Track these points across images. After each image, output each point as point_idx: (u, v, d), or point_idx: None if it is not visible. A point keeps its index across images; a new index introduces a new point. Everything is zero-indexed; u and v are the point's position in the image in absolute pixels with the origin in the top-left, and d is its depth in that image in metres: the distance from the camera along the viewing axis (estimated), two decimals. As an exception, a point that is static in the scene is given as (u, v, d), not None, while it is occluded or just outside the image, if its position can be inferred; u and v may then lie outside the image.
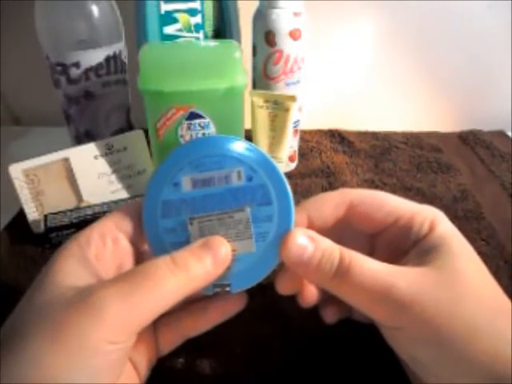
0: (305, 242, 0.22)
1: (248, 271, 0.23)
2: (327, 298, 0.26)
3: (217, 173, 0.23)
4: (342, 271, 0.21)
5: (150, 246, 0.23)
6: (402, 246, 0.24)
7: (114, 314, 0.18)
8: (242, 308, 0.26)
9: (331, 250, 0.22)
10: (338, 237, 0.24)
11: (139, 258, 0.24)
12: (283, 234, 0.23)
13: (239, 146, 0.23)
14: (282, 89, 0.44)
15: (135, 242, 0.24)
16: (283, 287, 0.26)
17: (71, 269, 0.21)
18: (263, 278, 0.23)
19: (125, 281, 0.20)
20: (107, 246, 0.22)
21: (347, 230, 0.26)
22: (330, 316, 0.26)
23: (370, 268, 0.21)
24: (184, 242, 0.23)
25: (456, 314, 0.20)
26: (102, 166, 0.42)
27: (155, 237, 0.23)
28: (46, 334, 0.18)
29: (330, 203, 0.25)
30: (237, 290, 0.24)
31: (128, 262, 0.24)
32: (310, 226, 0.25)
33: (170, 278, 0.20)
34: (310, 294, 0.26)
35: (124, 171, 0.43)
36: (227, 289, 0.23)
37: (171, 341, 0.26)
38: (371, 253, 0.25)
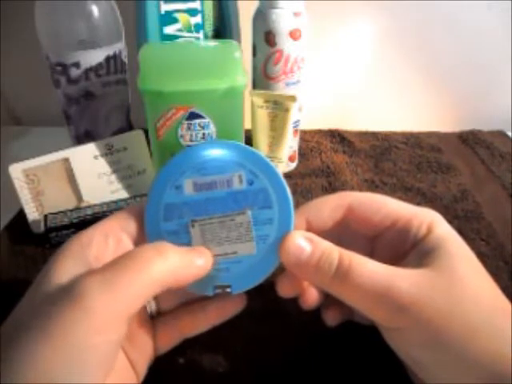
0: (303, 243, 0.22)
1: (249, 273, 0.23)
2: (328, 300, 0.26)
3: (218, 177, 0.23)
4: (342, 272, 0.21)
5: None
6: (400, 248, 0.24)
7: (98, 302, 0.18)
8: (241, 309, 0.26)
9: (330, 251, 0.22)
10: (338, 239, 0.25)
11: None
12: (283, 236, 0.23)
13: (240, 151, 0.23)
14: (282, 89, 0.44)
15: (138, 243, 0.24)
16: (284, 289, 0.26)
17: (72, 269, 0.21)
18: (263, 279, 0.24)
19: (107, 269, 0.19)
20: (109, 246, 0.22)
21: (347, 233, 0.26)
22: (331, 318, 0.27)
23: (369, 269, 0.21)
24: (186, 244, 0.23)
25: (455, 315, 0.20)
26: (102, 166, 0.42)
27: (157, 239, 0.23)
28: (36, 332, 0.18)
29: (329, 206, 0.26)
30: (237, 291, 0.24)
31: None
32: (309, 228, 0.25)
33: (155, 259, 0.20)
34: (311, 297, 0.26)
35: (124, 171, 0.43)
36: (228, 290, 0.24)
37: (169, 340, 0.26)
38: (371, 254, 0.25)
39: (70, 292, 0.19)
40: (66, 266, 0.21)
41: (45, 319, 0.18)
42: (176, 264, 0.21)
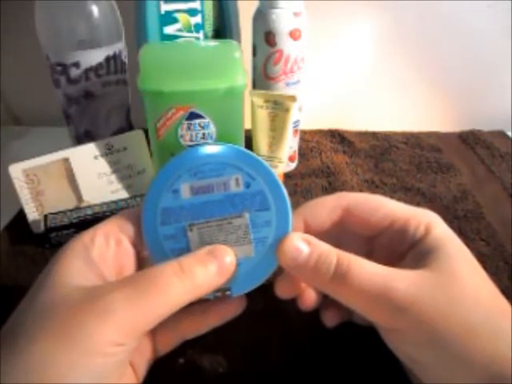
0: (300, 245, 0.23)
1: (248, 275, 0.24)
2: (327, 301, 0.26)
3: (215, 180, 0.23)
4: (340, 274, 0.22)
5: (149, 252, 0.23)
6: (398, 248, 0.24)
7: (121, 317, 0.19)
8: (241, 311, 0.26)
9: (328, 252, 0.22)
10: (336, 240, 0.25)
11: (141, 261, 0.24)
12: (281, 238, 0.23)
13: (237, 154, 0.23)
14: (282, 89, 0.44)
15: (137, 245, 0.24)
16: (282, 291, 0.26)
17: (76, 269, 0.21)
18: (263, 281, 0.24)
19: (132, 285, 0.20)
20: (110, 246, 0.23)
21: (344, 233, 0.26)
22: (330, 319, 0.27)
23: (368, 270, 0.21)
24: (184, 248, 0.23)
25: (454, 315, 0.20)
26: (102, 166, 0.42)
27: (155, 243, 0.23)
28: (51, 334, 0.18)
29: (326, 207, 0.26)
30: (237, 294, 0.24)
31: (130, 263, 0.24)
32: (307, 230, 0.25)
33: (176, 284, 0.20)
34: (309, 298, 0.26)
35: (124, 171, 0.43)
36: (227, 293, 0.24)
37: (169, 342, 0.26)
38: (369, 255, 0.25)
39: (94, 302, 0.19)
40: (72, 267, 0.21)
41: (63, 323, 0.19)
42: (195, 284, 0.21)
